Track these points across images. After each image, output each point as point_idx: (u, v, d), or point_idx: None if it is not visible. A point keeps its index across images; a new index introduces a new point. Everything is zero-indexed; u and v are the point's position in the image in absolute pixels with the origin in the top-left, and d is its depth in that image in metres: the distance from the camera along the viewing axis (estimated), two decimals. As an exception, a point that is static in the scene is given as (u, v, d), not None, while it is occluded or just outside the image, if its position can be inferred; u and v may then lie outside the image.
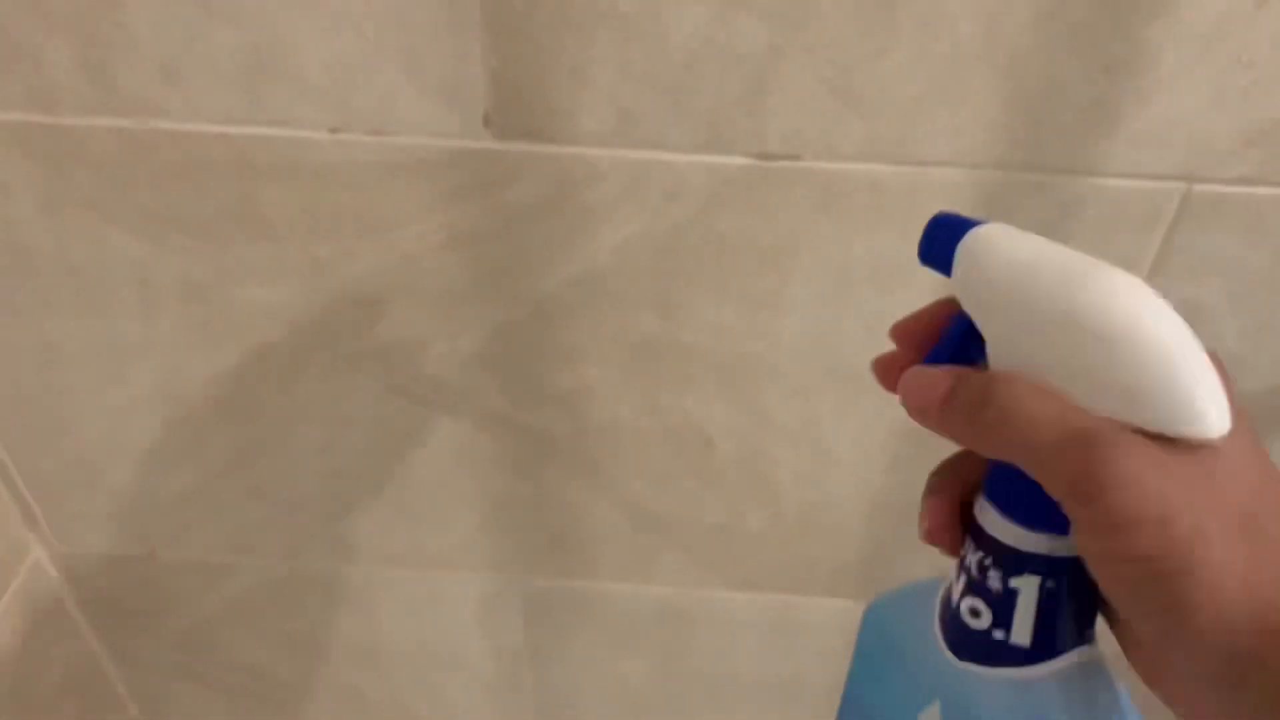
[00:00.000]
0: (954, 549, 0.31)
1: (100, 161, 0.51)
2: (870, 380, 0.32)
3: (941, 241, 0.29)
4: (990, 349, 0.28)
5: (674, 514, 0.66)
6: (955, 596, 0.30)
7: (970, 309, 0.29)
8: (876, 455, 0.61)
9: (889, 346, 0.32)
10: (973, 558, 0.29)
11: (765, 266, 0.53)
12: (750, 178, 0.50)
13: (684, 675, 0.79)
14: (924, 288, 0.53)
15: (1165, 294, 0.26)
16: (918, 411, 0.29)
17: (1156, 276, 0.52)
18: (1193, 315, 0.54)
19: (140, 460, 0.65)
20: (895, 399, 0.30)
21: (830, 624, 0.73)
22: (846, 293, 0.54)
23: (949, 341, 0.30)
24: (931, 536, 0.31)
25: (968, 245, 0.29)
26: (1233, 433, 0.24)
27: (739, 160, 0.49)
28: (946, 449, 0.30)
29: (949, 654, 0.30)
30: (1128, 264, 0.51)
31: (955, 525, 0.30)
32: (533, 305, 0.56)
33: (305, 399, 0.61)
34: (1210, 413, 0.24)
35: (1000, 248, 0.28)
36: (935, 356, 0.30)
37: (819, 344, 0.56)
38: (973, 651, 0.29)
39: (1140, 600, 0.24)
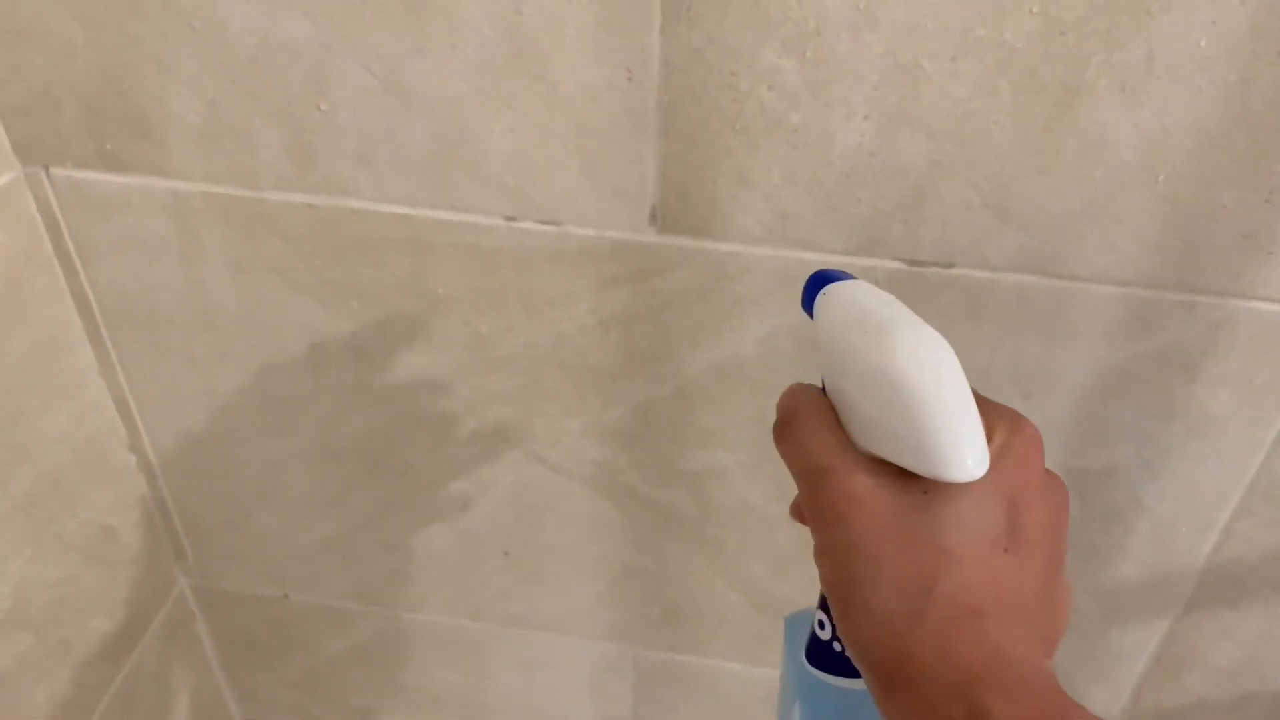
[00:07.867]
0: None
1: (290, 233, 0.55)
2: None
3: (809, 294, 0.33)
4: (826, 388, 0.32)
5: (792, 599, 0.67)
6: (815, 611, 0.34)
7: (819, 352, 0.32)
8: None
9: None
10: None
11: (907, 366, 0.54)
12: (900, 281, 0.51)
13: (786, 759, 0.79)
14: (1066, 392, 0.54)
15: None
16: None
17: (1306, 400, 0.52)
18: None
19: (287, 507, 0.69)
20: None
21: None
22: (986, 395, 0.54)
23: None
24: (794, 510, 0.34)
25: (819, 299, 0.32)
26: (987, 488, 0.27)
27: (891, 264, 0.51)
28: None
29: (804, 660, 0.34)
30: (1274, 387, 0.51)
31: None
32: (675, 387, 0.58)
33: (450, 461, 0.64)
34: (954, 461, 0.27)
35: (837, 302, 0.31)
36: None
37: (954, 443, 0.57)
38: (819, 660, 0.33)
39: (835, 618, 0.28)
